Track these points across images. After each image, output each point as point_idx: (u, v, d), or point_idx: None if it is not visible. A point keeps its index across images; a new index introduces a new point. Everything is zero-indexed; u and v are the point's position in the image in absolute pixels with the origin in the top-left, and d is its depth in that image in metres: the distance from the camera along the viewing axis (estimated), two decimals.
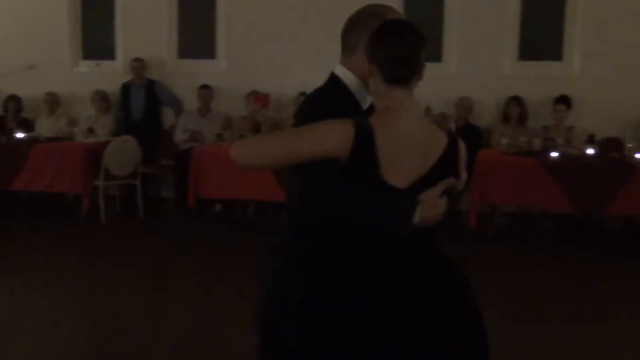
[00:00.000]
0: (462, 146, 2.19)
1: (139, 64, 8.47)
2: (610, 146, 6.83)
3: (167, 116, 8.70)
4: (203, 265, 5.94)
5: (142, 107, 8.48)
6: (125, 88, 8.53)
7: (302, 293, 2.08)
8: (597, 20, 7.62)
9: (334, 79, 2.27)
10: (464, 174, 2.24)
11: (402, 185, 2.05)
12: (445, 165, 2.11)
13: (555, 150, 6.73)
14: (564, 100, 7.42)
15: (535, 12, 7.91)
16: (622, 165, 6.48)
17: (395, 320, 2.03)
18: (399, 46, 2.05)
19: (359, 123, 2.02)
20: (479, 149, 7.15)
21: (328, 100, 2.19)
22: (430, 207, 2.05)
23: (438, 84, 7.97)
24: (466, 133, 7.63)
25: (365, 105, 2.25)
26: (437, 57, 8.15)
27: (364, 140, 2.01)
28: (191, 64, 8.77)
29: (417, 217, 2.02)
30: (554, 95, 7.49)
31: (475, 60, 7.90)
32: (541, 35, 7.95)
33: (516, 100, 7.58)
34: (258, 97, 8.04)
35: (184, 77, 8.62)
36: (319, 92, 2.26)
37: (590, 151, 6.73)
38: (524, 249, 6.56)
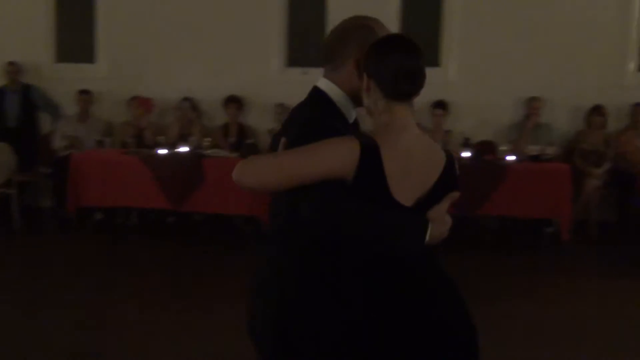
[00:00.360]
0: (457, 164, 2.18)
1: (13, 68, 8.13)
2: (485, 149, 7.16)
3: (46, 122, 8.39)
4: (75, 282, 5.71)
5: (17, 113, 8.13)
6: None
7: (306, 317, 2.03)
8: (473, 29, 7.97)
9: (318, 93, 2.18)
10: None
11: (409, 203, 2.02)
12: (446, 181, 2.08)
13: None
14: (441, 105, 7.71)
15: (414, 20, 8.18)
16: (495, 168, 6.80)
17: (400, 343, 2.00)
18: (406, 61, 2.02)
19: (364, 141, 1.96)
20: None
21: (318, 115, 2.08)
22: (440, 223, 2.01)
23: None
24: None
25: (350, 120, 2.20)
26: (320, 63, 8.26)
27: (370, 158, 1.95)
28: (70, 68, 8.50)
29: (429, 235, 1.98)
30: (432, 100, 7.77)
31: None
32: (420, 42, 8.19)
33: None
34: (141, 102, 7.91)
35: (62, 81, 8.33)
36: (305, 106, 2.17)
37: (465, 154, 7.02)
38: None
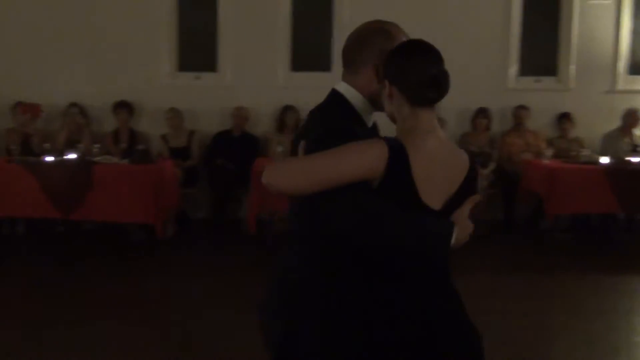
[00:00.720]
0: (477, 166, 2.22)
1: None
2: None
3: None
4: None
5: None
6: None
7: (318, 320, 2.03)
8: (247, 34, 8.11)
9: (337, 96, 2.17)
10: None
11: (437, 207, 2.02)
12: (469, 185, 2.10)
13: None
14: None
15: (305, 25, 8.27)
16: None
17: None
18: (430, 68, 2.02)
19: (391, 143, 1.95)
20: (255, 157, 7.35)
21: (337, 119, 2.09)
22: (463, 227, 2.01)
23: (214, 94, 8.10)
24: (243, 142, 7.80)
25: (369, 124, 2.20)
26: (212, 67, 8.25)
27: (399, 161, 1.94)
28: None
29: (454, 238, 1.98)
30: None
31: (250, 70, 8.08)
32: (311, 47, 8.32)
33: (291, 109, 7.85)
34: (27, 108, 7.62)
35: None
36: (324, 109, 2.16)
37: None
38: None
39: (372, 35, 2.16)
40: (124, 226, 7.08)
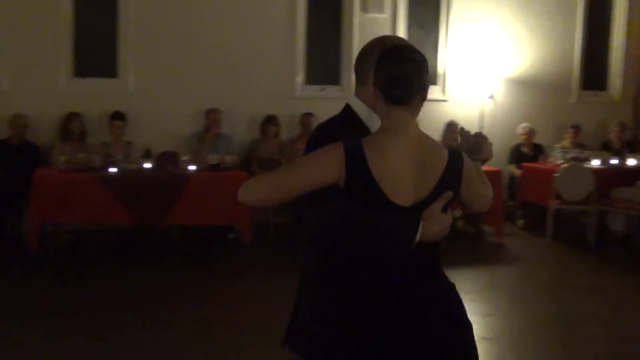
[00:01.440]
0: (467, 160, 2.22)
1: None
2: (167, 159, 7.19)
3: None
4: None
5: None
6: None
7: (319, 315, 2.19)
8: (149, 41, 7.96)
9: (346, 108, 2.38)
10: (481, 189, 2.29)
11: (407, 203, 2.09)
12: (449, 181, 2.15)
13: (114, 165, 6.85)
14: (119, 116, 7.59)
15: (89, 29, 7.95)
16: (177, 178, 6.89)
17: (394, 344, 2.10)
18: (394, 68, 2.11)
19: (347, 144, 2.08)
20: (36, 167, 6.94)
21: (334, 128, 2.28)
22: (434, 222, 2.09)
23: None
24: (23, 151, 7.33)
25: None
26: None
27: (355, 160, 2.06)
28: None
29: (419, 233, 2.05)
30: (111, 111, 7.62)
31: (29, 76, 7.61)
32: (96, 52, 8.01)
33: (75, 116, 7.50)
34: None
35: None
36: (330, 119, 2.36)
37: (147, 165, 6.99)
38: (86, 263, 6.54)
39: (372, 48, 2.35)
40: None
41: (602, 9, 10.01)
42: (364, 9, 8.72)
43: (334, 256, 2.18)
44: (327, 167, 2.07)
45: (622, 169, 8.15)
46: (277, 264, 6.79)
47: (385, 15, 8.80)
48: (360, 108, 2.35)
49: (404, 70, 2.13)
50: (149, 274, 6.28)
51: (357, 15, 8.71)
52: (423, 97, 2.17)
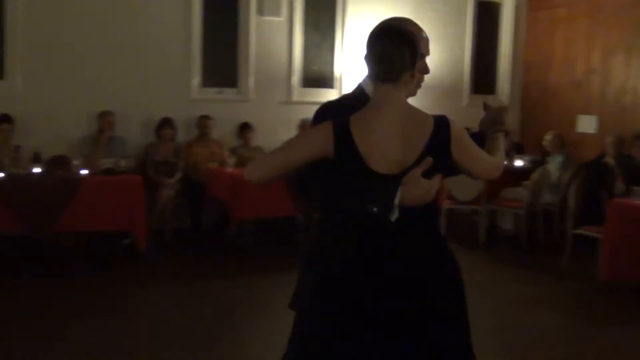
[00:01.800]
0: (456, 126, 2.30)
1: None
2: (57, 164, 6.94)
3: None
4: None
5: None
6: None
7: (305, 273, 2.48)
8: (37, 41, 7.66)
9: (358, 88, 2.60)
10: (480, 153, 2.37)
11: (393, 172, 2.23)
12: (436, 148, 2.25)
13: (1, 171, 6.56)
14: (6, 119, 7.27)
15: None
16: (68, 182, 6.66)
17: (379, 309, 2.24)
18: (376, 46, 2.28)
19: (337, 122, 2.27)
20: None
21: (336, 104, 2.57)
22: (413, 187, 2.19)
23: None
24: None
25: None
26: None
27: (343, 135, 2.24)
28: None
29: (398, 198, 2.17)
30: None
31: None
32: None
33: None
34: None
35: None
36: (339, 98, 2.68)
37: (36, 170, 6.73)
38: None
39: None
40: None
41: (490, 18, 10.42)
42: (261, 12, 8.70)
43: (328, 222, 2.41)
44: (316, 143, 2.27)
45: (510, 170, 8.50)
46: (175, 268, 6.71)
47: (282, 19, 8.82)
48: (369, 87, 2.52)
49: (385, 49, 2.27)
50: (41, 283, 6.07)
51: (253, 18, 8.68)
52: (412, 75, 2.32)
